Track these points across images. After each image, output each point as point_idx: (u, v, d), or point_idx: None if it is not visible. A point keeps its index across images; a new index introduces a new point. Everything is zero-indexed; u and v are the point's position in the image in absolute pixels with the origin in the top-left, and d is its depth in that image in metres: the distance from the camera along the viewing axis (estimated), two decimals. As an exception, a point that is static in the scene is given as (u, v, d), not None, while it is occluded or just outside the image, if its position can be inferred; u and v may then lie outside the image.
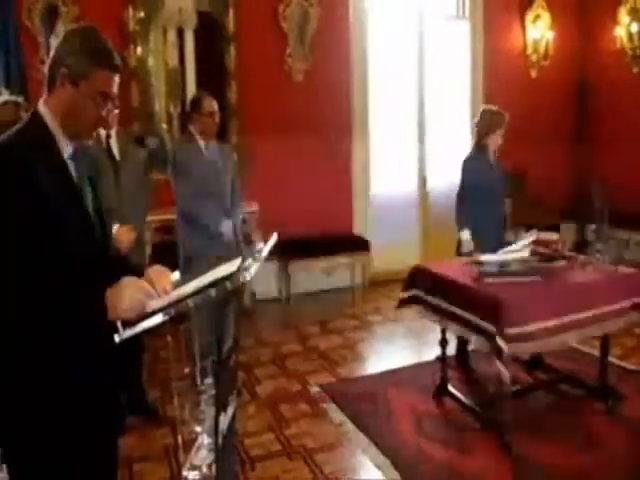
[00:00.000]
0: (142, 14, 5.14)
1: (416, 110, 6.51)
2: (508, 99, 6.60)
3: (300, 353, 4.47)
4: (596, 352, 3.61)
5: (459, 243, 3.91)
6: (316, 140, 5.88)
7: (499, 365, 2.89)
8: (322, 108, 5.88)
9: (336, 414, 3.49)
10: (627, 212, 6.65)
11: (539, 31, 7.05)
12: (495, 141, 3.79)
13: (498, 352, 2.85)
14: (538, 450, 3.04)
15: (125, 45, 5.02)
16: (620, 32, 6.89)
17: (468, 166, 3.85)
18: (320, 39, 5.81)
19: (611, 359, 3.67)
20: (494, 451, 3.03)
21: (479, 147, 3.82)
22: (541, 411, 3.48)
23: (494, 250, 3.48)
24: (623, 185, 6.78)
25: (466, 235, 3.81)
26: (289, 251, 5.29)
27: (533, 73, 7.16)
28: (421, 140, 6.56)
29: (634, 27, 6.73)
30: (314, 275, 5.79)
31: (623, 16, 6.83)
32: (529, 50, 7.09)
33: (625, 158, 6.98)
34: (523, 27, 7.04)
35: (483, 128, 3.79)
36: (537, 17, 7.02)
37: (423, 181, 6.60)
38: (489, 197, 3.78)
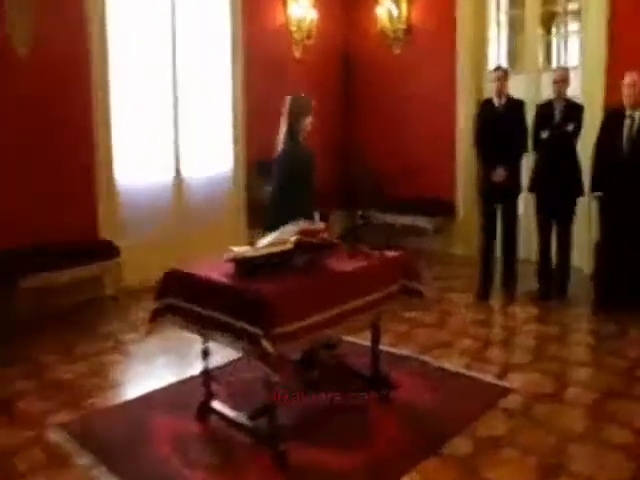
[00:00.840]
0: None
1: (170, 92, 5.91)
2: (271, 79, 6.44)
3: (34, 391, 3.66)
4: (369, 342, 3.54)
5: None
6: (47, 129, 5.01)
7: (266, 369, 2.62)
8: (53, 89, 5.00)
9: (82, 456, 2.89)
10: (393, 197, 6.95)
11: (302, 10, 7.02)
12: (306, 126, 3.86)
13: (265, 355, 2.60)
14: (315, 454, 2.89)
15: None
16: (381, 13, 7.15)
17: (286, 153, 3.84)
18: (47, 3, 4.88)
19: (383, 347, 3.67)
20: (268, 464, 2.78)
21: (292, 133, 3.83)
22: (317, 412, 3.32)
23: None
24: (388, 170, 7.05)
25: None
26: (18, 265, 4.46)
27: (297, 52, 7.12)
28: (175, 125, 5.97)
29: (395, 11, 7.04)
30: (53, 291, 4.89)
31: (385, -1, 7.06)
32: (293, 28, 7.02)
33: (390, 143, 7.27)
34: (285, 5, 6.95)
35: (293, 115, 3.82)
36: (299, -5, 6.96)
37: (178, 171, 6.02)
38: (305, 180, 3.83)
